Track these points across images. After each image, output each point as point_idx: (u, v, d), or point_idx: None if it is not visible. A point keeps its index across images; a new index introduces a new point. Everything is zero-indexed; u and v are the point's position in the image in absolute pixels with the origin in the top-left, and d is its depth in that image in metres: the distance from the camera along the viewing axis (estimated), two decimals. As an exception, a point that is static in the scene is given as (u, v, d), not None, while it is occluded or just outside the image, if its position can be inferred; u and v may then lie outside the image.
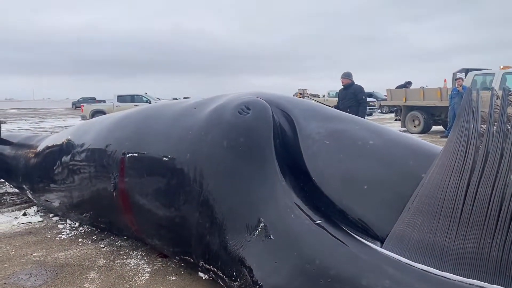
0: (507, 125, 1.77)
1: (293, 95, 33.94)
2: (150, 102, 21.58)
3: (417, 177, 1.95)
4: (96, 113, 19.77)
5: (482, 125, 1.87)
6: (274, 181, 2.25)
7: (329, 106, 9.60)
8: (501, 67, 12.22)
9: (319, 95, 30.89)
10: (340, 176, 2.16)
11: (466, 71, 13.31)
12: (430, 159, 1.98)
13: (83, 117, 20.02)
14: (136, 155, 2.93)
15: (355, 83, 7.64)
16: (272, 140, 2.38)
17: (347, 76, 7.50)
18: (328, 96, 30.42)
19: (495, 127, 1.80)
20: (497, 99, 1.92)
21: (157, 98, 26.77)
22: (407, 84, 15.62)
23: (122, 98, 21.28)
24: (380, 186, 2.06)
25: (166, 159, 2.71)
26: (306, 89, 33.11)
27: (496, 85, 11.98)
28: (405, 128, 14.72)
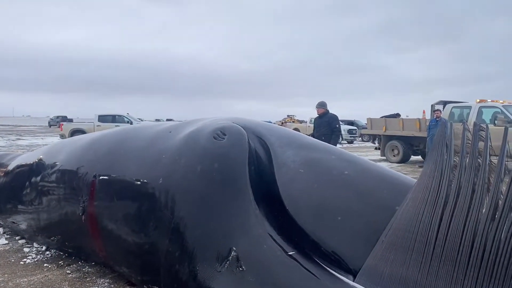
0: (479, 159, 1.77)
1: (282, 121, 34.23)
2: (131, 123, 21.40)
3: (391, 209, 1.93)
4: (75, 132, 19.48)
5: (455, 159, 1.87)
6: (247, 209, 2.20)
7: (306, 134, 9.68)
8: (477, 100, 12.56)
9: (306, 121, 31.31)
10: (314, 206, 2.13)
11: (444, 103, 13.63)
12: (405, 192, 1.96)
13: (62, 136, 19.66)
14: (107, 178, 2.85)
15: (330, 112, 7.86)
16: (247, 167, 2.34)
17: (322, 105, 7.74)
18: (310, 123, 30.74)
19: (467, 161, 1.80)
20: (468, 132, 1.93)
21: (139, 119, 26.59)
22: (396, 116, 15.88)
23: (103, 118, 21.04)
24: (354, 218, 2.02)
25: (138, 183, 2.63)
26: (294, 115, 33.44)
27: (472, 117, 12.29)
28: (384, 157, 14.90)
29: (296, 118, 32.31)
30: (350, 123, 34.75)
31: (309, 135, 7.81)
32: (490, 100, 12.38)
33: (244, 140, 2.44)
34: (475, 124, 1.91)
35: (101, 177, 2.87)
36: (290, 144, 2.50)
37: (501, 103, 12.08)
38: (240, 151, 2.39)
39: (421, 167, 12.89)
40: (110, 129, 3.99)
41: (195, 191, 2.39)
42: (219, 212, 2.26)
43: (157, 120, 66.86)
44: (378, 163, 2.75)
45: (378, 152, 15.70)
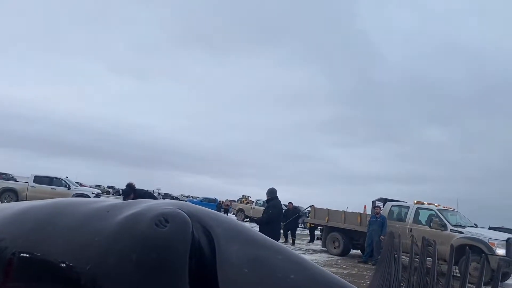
0: (426, 277, 1.74)
1: (237, 200, 33.73)
2: (69, 187, 20.29)
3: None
4: (5, 191, 18.11)
5: (403, 273, 1.84)
6: (182, 307, 1.99)
7: (254, 217, 9.69)
8: (415, 201, 13.17)
9: (253, 201, 31.17)
10: (254, 311, 1.96)
11: (385, 200, 14.16)
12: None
13: (-11, 194, 18.16)
14: (28, 256, 2.53)
15: (278, 198, 8.04)
16: (188, 260, 2.17)
17: (270, 192, 7.95)
18: (255, 205, 30.66)
19: (415, 277, 1.76)
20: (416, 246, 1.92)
21: (77, 183, 25.34)
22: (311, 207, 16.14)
23: (39, 179, 19.82)
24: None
25: (63, 266, 2.35)
26: (249, 196, 33.27)
27: (410, 217, 12.79)
28: (325, 248, 14.88)
29: (250, 198, 32.16)
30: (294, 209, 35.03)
31: (256, 218, 7.84)
32: (426, 203, 13.01)
33: (188, 230, 2.29)
34: (423, 238, 1.91)
35: (21, 255, 2.55)
36: (237, 237, 2.36)
37: (437, 206, 12.73)
38: (182, 241, 2.22)
39: (360, 262, 12.96)
40: (44, 200, 3.68)
41: (127, 282, 2.16)
42: (150, 308, 2.03)
43: (97, 186, 64.16)
44: (327, 269, 2.63)
45: (319, 242, 15.71)
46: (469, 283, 1.82)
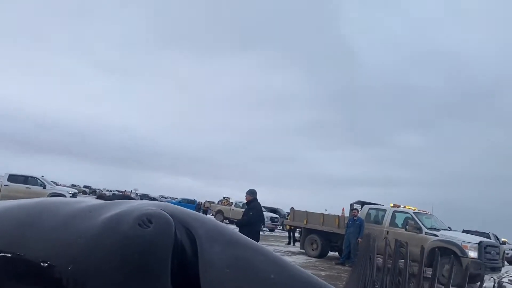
0: (399, 277, 1.84)
1: (218, 202, 33.57)
2: (44, 186, 19.93)
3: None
4: (-22, 190, 17.66)
5: (377, 274, 1.93)
6: (164, 306, 2.03)
7: (234, 219, 9.72)
8: (392, 204, 13.46)
9: (233, 203, 31.17)
10: (236, 310, 2.02)
11: (362, 203, 14.40)
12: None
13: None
14: (10, 256, 2.53)
15: (258, 200, 8.08)
16: (170, 260, 2.21)
17: (251, 193, 7.95)
18: (234, 206, 30.69)
19: (388, 278, 1.85)
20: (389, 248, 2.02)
21: (53, 182, 24.89)
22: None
23: (14, 178, 19.43)
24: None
25: (46, 266, 2.36)
26: (230, 197, 33.24)
27: (387, 220, 13.06)
28: (303, 250, 15.03)
29: (231, 200, 32.15)
30: (273, 210, 35.18)
31: (236, 220, 7.89)
32: (403, 206, 13.31)
33: (171, 230, 2.33)
34: (396, 240, 2.01)
35: (2, 255, 2.55)
36: (219, 238, 2.42)
37: (412, 209, 13.03)
38: (165, 241, 2.26)
39: (337, 264, 13.15)
40: (24, 199, 3.66)
41: (109, 282, 2.19)
42: (132, 307, 2.06)
43: (73, 185, 62.96)
44: (307, 270, 2.70)
45: (298, 244, 15.85)
46: (441, 284, 1.93)
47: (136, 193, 58.06)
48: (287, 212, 33.33)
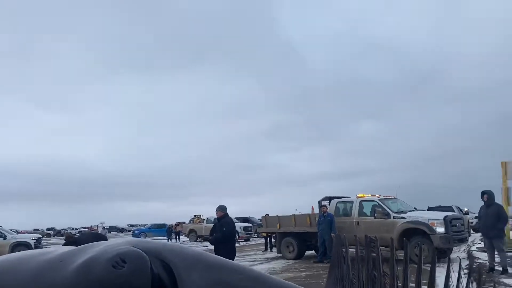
0: (374, 272, 1.92)
1: (189, 221, 32.93)
2: (5, 237, 18.95)
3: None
4: None
5: (353, 272, 2.00)
6: None
7: (208, 237, 9.43)
8: (358, 195, 13.81)
9: (204, 219, 30.71)
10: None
11: (329, 199, 14.67)
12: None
13: None
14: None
15: (228, 216, 8.13)
16: (151, 296, 2.19)
17: (221, 209, 7.97)
18: (206, 223, 30.35)
19: (364, 274, 1.93)
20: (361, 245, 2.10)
21: (14, 230, 23.71)
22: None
23: (-31, 232, 18.33)
24: None
25: (20, 325, 2.27)
26: (201, 214, 32.65)
27: (355, 211, 13.38)
28: (281, 254, 15.12)
29: (203, 217, 31.64)
30: (246, 220, 35.16)
31: (211, 238, 7.84)
32: (369, 195, 13.69)
33: (146, 266, 2.31)
34: (366, 236, 2.09)
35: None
36: (196, 265, 2.42)
37: (377, 197, 13.43)
38: (142, 280, 2.24)
39: (315, 262, 13.31)
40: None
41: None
42: None
43: (36, 230, 60.05)
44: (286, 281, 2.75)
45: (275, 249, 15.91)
46: (415, 263, 2.03)
47: (103, 227, 56.19)
48: (258, 219, 33.40)
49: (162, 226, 40.24)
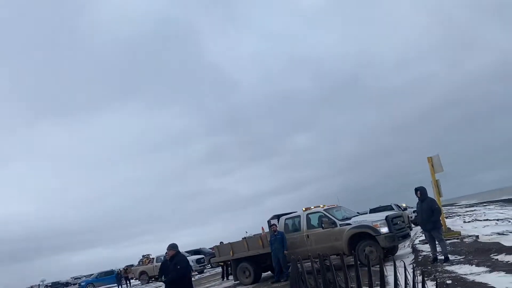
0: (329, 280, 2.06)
1: (139, 262, 31.26)
2: None
3: None
4: None
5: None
6: None
7: (161, 278, 8.97)
8: (304, 209, 14.13)
9: (154, 258, 29.50)
10: None
11: (278, 216, 14.86)
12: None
13: None
14: None
15: (181, 253, 8.03)
16: None
17: (172, 247, 7.89)
18: (156, 262, 29.27)
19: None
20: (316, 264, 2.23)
21: None
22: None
23: None
24: None
25: None
26: (149, 254, 31.23)
27: (304, 225, 13.66)
28: (238, 281, 14.98)
29: (152, 256, 30.33)
30: (197, 252, 34.33)
31: (166, 279, 7.62)
32: (313, 206, 14.06)
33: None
34: (319, 255, 2.23)
35: None
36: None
37: (322, 207, 13.84)
38: None
39: (273, 282, 13.35)
40: None
41: None
42: None
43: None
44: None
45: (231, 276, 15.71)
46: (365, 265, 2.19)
47: (45, 285, 52.16)
48: (209, 249, 32.75)
49: (110, 273, 38.15)
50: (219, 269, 24.14)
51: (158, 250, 29.57)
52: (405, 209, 27.77)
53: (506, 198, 51.10)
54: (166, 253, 8.37)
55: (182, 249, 8.40)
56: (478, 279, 6.89)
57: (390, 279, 1.97)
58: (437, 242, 10.09)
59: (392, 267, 2.11)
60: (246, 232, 17.16)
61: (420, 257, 11.54)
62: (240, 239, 16.62)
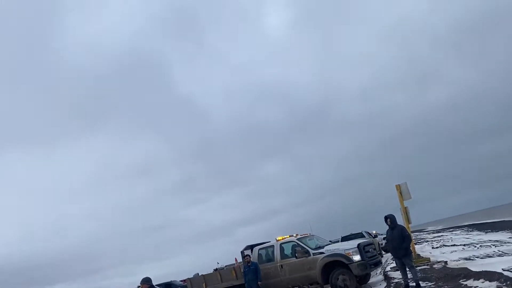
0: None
1: None
2: None
3: None
4: None
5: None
6: None
7: None
8: (277, 238, 14.12)
9: None
10: None
11: (251, 247, 14.77)
12: None
13: None
14: None
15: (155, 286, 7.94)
16: None
17: (146, 281, 7.84)
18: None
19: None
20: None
21: None
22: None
23: None
24: None
25: None
26: None
27: (277, 255, 13.63)
28: (212, 315, 14.64)
29: None
30: (168, 285, 33.28)
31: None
32: (287, 236, 14.09)
33: None
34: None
35: None
36: None
37: (295, 236, 13.89)
38: None
39: (248, 315, 13.13)
40: None
41: None
42: None
43: None
44: None
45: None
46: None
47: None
48: (181, 281, 31.88)
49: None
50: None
51: (127, 284, 28.55)
52: (375, 236, 28.11)
53: (471, 223, 52.83)
54: (138, 287, 8.21)
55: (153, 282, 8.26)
56: (448, 305, 7.07)
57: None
58: (408, 269, 10.28)
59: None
60: (218, 263, 16.88)
61: (392, 285, 11.70)
62: (212, 270, 16.37)
